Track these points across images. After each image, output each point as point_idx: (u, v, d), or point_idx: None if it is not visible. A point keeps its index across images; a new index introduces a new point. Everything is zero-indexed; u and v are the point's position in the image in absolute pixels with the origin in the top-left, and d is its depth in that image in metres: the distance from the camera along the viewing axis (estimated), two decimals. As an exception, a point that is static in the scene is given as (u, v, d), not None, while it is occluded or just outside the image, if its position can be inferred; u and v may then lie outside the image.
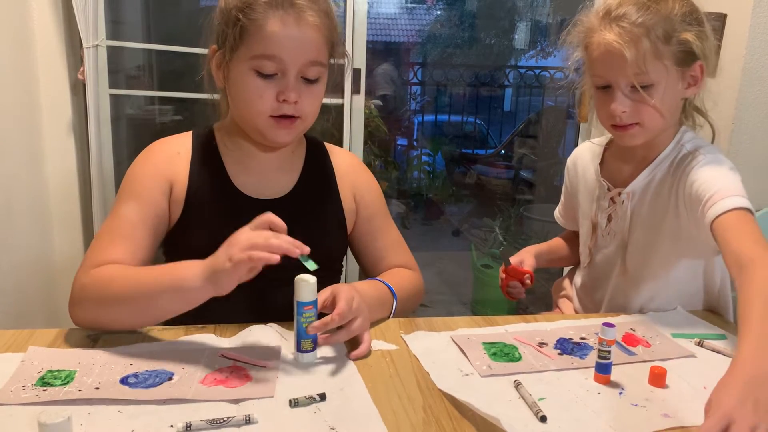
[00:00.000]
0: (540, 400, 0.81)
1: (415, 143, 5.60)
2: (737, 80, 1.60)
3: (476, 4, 6.47)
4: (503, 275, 1.28)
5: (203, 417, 0.73)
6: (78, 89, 1.86)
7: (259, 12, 0.95)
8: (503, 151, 5.41)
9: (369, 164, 3.26)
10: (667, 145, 1.11)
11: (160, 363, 0.86)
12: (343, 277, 1.34)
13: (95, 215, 1.87)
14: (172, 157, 1.06)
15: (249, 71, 0.97)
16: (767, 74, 1.61)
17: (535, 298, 2.95)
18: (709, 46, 1.04)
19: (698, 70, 1.05)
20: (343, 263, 1.21)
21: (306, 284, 0.87)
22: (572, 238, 1.37)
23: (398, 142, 5.30)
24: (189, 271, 0.87)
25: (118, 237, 0.98)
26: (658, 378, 0.86)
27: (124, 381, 0.81)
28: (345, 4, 1.91)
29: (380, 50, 6.45)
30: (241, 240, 0.83)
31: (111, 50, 1.83)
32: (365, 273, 1.20)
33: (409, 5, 7.87)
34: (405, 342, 0.97)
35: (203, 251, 1.02)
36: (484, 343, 0.96)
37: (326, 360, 0.90)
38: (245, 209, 1.05)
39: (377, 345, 0.95)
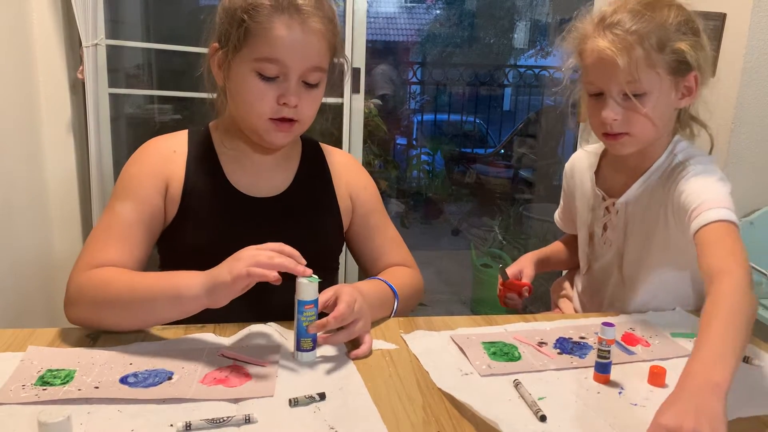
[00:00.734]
0: (540, 399, 0.81)
1: (414, 143, 5.60)
2: (737, 80, 1.60)
3: (475, 4, 6.46)
4: (501, 287, 1.28)
5: (203, 416, 0.73)
6: (77, 88, 1.86)
7: (265, 15, 0.94)
8: (503, 151, 5.41)
9: (368, 164, 3.27)
10: (661, 155, 1.10)
11: (160, 362, 0.86)
12: (342, 276, 1.34)
13: (94, 214, 1.87)
14: (168, 155, 1.06)
15: (251, 73, 0.97)
16: (767, 74, 1.61)
17: (534, 298, 2.95)
18: (705, 57, 1.02)
19: (693, 81, 1.03)
20: (343, 262, 1.21)
21: (307, 283, 0.87)
22: (572, 242, 1.37)
23: (398, 142, 5.30)
24: (190, 280, 0.88)
25: (115, 236, 0.98)
26: (657, 377, 0.86)
27: (123, 380, 0.81)
28: (344, 4, 1.91)
29: (380, 49, 6.45)
30: (245, 256, 0.84)
31: (110, 49, 1.83)
32: (363, 271, 1.20)
33: (409, 4, 7.85)
34: (405, 341, 0.97)
35: (199, 249, 1.02)
36: (483, 343, 0.96)
37: (326, 359, 0.90)
38: (241, 207, 1.05)
39: (377, 344, 0.95)
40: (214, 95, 1.09)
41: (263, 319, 0.99)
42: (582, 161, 1.26)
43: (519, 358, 0.93)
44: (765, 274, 1.51)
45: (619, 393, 0.84)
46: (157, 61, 2.36)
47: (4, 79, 1.61)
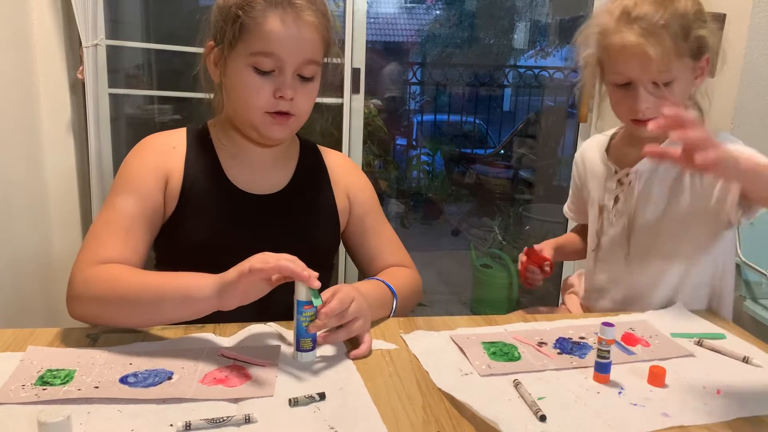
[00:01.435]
0: (539, 399, 0.81)
1: (414, 143, 5.59)
2: (736, 80, 1.60)
3: (475, 4, 6.46)
4: (523, 258, 1.29)
5: (203, 416, 0.73)
6: (77, 88, 1.86)
7: (259, 10, 0.96)
8: (502, 151, 5.41)
9: (368, 164, 3.27)
10: None
11: (160, 362, 0.86)
12: (342, 276, 1.34)
13: (94, 214, 1.87)
14: (167, 151, 1.06)
15: (246, 67, 0.98)
16: (766, 74, 1.61)
17: (535, 298, 2.95)
18: (719, 42, 1.08)
19: (705, 62, 1.08)
20: (343, 263, 1.22)
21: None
22: (583, 231, 1.39)
23: (397, 142, 5.30)
24: (201, 281, 0.88)
25: (118, 231, 0.98)
26: (657, 377, 0.86)
27: (123, 380, 0.81)
28: (345, 4, 1.91)
29: (380, 50, 6.45)
30: (253, 258, 0.85)
31: (110, 49, 1.83)
32: (361, 272, 1.21)
33: (409, 5, 7.85)
34: (404, 341, 0.97)
35: (196, 245, 1.02)
36: (483, 343, 0.97)
37: (326, 359, 0.90)
38: (240, 204, 1.06)
39: (377, 344, 0.95)
40: (212, 95, 1.10)
41: (263, 319, 0.99)
42: (591, 145, 1.31)
43: (519, 358, 0.93)
44: (765, 275, 1.51)
45: (619, 393, 0.84)
46: (157, 61, 2.36)
47: (4, 79, 1.61)
